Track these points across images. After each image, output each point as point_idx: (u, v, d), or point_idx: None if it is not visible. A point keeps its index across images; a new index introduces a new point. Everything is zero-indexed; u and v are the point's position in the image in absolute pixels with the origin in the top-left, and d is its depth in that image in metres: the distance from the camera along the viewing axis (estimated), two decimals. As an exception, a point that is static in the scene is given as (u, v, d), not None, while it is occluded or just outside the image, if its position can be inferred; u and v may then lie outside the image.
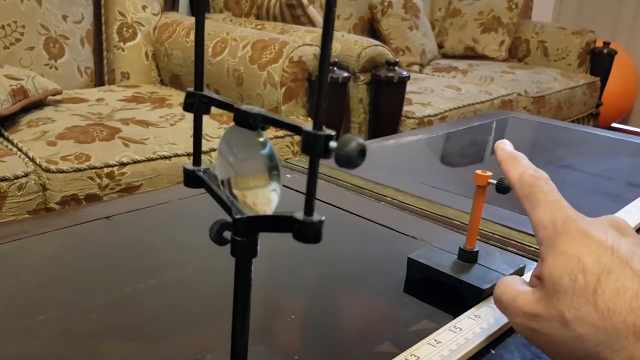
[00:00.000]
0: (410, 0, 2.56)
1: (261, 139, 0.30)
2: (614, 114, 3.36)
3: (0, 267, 0.52)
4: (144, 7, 1.82)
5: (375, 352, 0.43)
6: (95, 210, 0.65)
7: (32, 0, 1.56)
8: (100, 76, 1.79)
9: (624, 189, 0.91)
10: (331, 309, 0.49)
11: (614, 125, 3.48)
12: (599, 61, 2.72)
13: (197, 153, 0.35)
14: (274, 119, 0.30)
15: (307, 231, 0.29)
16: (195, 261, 0.55)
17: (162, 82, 1.83)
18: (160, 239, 0.60)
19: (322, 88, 0.28)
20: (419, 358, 0.40)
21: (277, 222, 0.30)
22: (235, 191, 0.31)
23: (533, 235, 0.65)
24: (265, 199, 0.31)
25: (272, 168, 0.30)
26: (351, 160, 0.26)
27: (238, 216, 0.32)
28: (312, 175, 0.28)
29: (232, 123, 0.31)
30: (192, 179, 0.35)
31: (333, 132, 0.27)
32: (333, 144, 0.27)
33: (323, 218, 0.29)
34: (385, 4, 2.47)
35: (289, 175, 0.79)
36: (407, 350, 0.40)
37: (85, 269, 0.52)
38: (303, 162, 0.85)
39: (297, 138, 1.43)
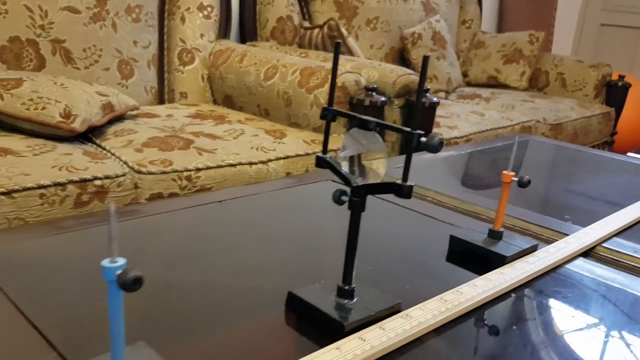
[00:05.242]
0: (438, 33, 2.77)
1: (376, 137, 0.50)
2: (630, 144, 3.52)
3: (145, 234, 0.72)
4: (201, 35, 2.04)
5: (417, 291, 0.62)
6: (207, 196, 0.85)
7: (109, 28, 1.79)
8: (161, 95, 2.01)
9: (626, 199, 1.08)
10: (387, 269, 0.68)
11: (629, 154, 3.63)
12: (614, 93, 2.89)
13: (325, 145, 0.54)
14: (383, 124, 0.49)
15: (403, 191, 0.48)
16: (297, 236, 0.74)
17: (214, 102, 2.05)
18: (266, 218, 0.79)
19: (417, 106, 0.47)
20: (446, 302, 0.58)
21: (384, 187, 0.49)
22: (364, 162, 0.51)
23: (546, 228, 0.83)
24: (379, 171, 0.50)
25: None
26: (435, 147, 0.45)
27: (355, 184, 0.51)
28: (409, 158, 0.48)
29: (349, 130, 0.51)
30: (322, 162, 0.54)
31: (423, 132, 0.47)
32: (423, 139, 0.46)
33: (413, 184, 0.48)
34: (416, 36, 2.68)
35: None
36: (439, 295, 0.59)
37: (207, 239, 0.72)
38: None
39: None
